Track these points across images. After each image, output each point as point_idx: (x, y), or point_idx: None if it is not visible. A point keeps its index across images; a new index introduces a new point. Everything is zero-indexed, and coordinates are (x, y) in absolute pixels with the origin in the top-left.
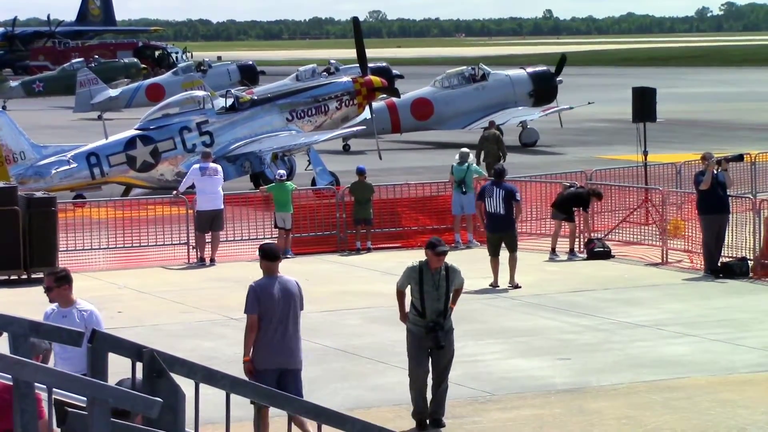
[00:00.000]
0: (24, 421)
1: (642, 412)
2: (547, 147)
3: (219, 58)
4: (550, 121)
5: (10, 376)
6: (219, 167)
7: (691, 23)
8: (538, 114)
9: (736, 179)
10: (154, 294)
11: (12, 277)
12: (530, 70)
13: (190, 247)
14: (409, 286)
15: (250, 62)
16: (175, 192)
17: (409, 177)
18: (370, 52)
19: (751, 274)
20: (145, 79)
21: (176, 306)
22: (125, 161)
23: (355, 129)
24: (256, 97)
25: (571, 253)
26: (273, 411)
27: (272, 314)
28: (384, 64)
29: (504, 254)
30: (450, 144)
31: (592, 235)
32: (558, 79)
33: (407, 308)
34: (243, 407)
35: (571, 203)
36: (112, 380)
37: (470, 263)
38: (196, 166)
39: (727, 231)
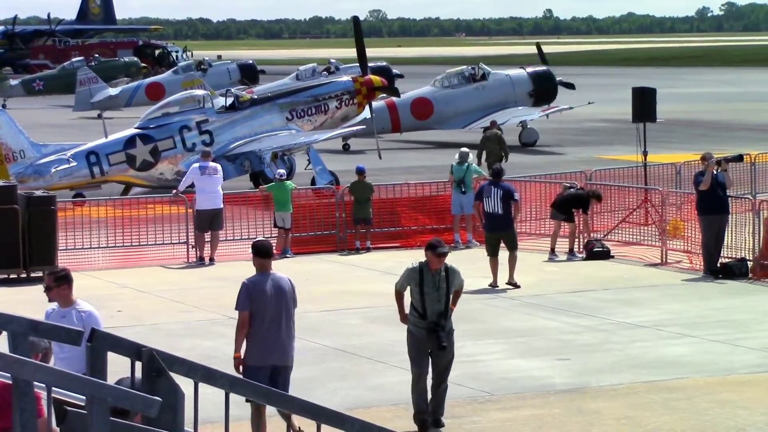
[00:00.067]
0: (23, 419)
1: (641, 412)
2: (547, 147)
3: (219, 57)
4: (550, 121)
5: (9, 375)
6: (219, 166)
7: (691, 23)
8: (538, 114)
9: (736, 180)
10: (154, 293)
11: (11, 276)
12: (530, 70)
13: (190, 246)
14: (408, 288)
15: (250, 61)
16: (174, 191)
17: (409, 177)
18: (370, 52)
19: (750, 275)
20: (145, 78)
21: (175, 305)
22: (125, 160)
23: (354, 128)
24: (256, 97)
25: (571, 254)
26: (270, 409)
27: (264, 311)
28: (384, 63)
29: (503, 254)
30: (450, 144)
31: (592, 236)
32: (559, 79)
33: (407, 309)
34: (241, 406)
35: (571, 204)
36: (111, 379)
37: (470, 263)
38: (196, 165)
39: (726, 231)
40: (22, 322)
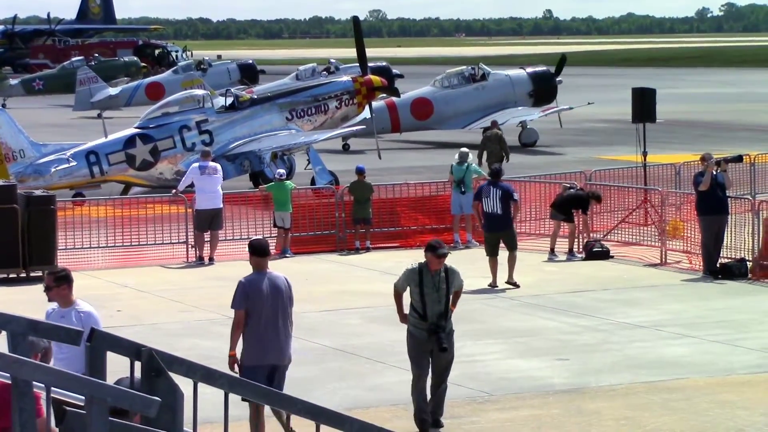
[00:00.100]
0: (22, 419)
1: (640, 412)
2: (547, 147)
3: (219, 56)
4: (550, 121)
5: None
6: (218, 166)
7: (691, 24)
8: (538, 114)
9: (736, 180)
10: (153, 293)
11: (11, 276)
12: (530, 70)
13: (189, 246)
14: (408, 288)
15: (250, 61)
16: (174, 191)
17: (409, 177)
18: (370, 52)
19: (749, 275)
20: (145, 78)
21: (175, 305)
22: (124, 160)
23: (354, 128)
24: (255, 96)
25: (570, 254)
26: (268, 408)
27: (261, 310)
28: (384, 63)
29: (503, 254)
30: (449, 144)
31: (591, 236)
32: (558, 79)
33: (406, 309)
34: (241, 406)
35: (571, 205)
36: (110, 379)
37: (469, 263)
38: (196, 164)
39: (726, 232)
40: (22, 322)
